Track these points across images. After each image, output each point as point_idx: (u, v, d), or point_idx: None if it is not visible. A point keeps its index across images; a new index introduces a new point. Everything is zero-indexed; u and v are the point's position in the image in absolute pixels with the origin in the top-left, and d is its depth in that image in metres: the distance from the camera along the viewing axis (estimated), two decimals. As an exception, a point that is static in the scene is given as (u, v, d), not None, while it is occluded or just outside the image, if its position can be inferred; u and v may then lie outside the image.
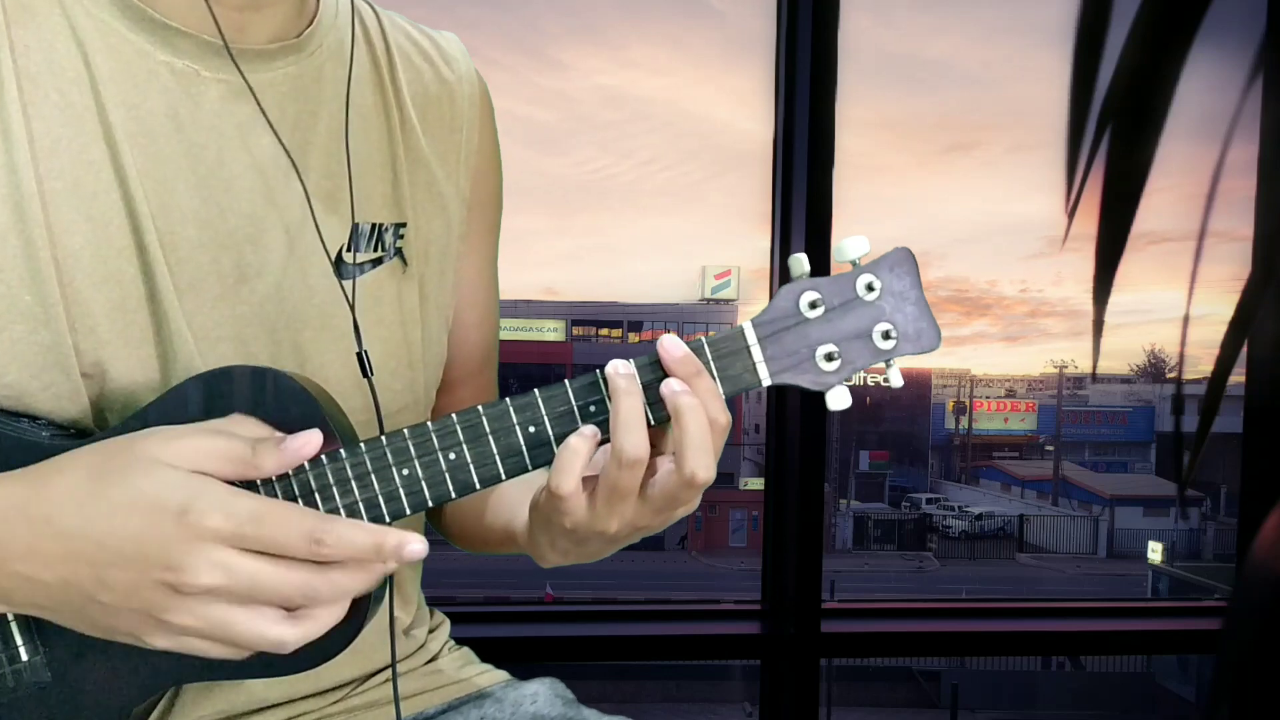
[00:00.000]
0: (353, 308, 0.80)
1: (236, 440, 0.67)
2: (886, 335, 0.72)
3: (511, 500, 0.89)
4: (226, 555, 0.63)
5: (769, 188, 1.85)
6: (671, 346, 0.71)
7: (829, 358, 0.72)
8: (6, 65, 0.72)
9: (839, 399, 0.72)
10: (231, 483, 0.66)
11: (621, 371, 0.70)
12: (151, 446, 0.65)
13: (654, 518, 0.73)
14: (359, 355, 0.78)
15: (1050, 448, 35.44)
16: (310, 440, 0.67)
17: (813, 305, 0.72)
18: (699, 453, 0.70)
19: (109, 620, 0.66)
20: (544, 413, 0.71)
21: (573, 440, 0.70)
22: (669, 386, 0.70)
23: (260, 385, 0.70)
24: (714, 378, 0.71)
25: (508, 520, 0.88)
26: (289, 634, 0.65)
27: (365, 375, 0.77)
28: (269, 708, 0.85)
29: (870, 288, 0.72)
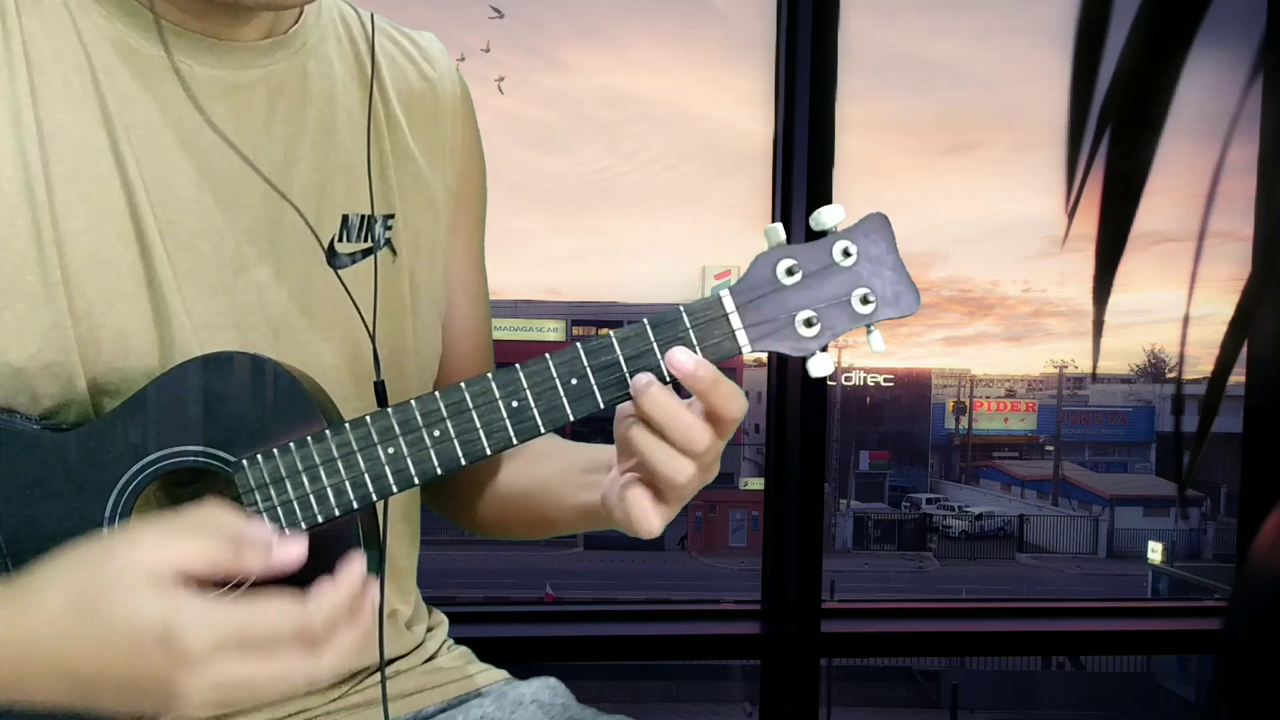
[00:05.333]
0: (373, 337, 0.81)
1: (219, 541, 0.66)
2: (865, 300, 0.72)
3: (571, 489, 0.89)
4: (216, 669, 0.63)
5: (769, 187, 1.85)
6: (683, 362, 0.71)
7: (808, 323, 0.72)
8: (17, 52, 0.74)
9: (820, 365, 0.72)
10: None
11: (625, 413, 0.72)
12: (129, 559, 0.64)
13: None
14: (376, 385, 0.78)
15: (1050, 448, 35.42)
16: (297, 548, 0.67)
17: (790, 272, 0.72)
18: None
19: (121, 711, 0.67)
20: (526, 386, 0.71)
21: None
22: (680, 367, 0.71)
23: (253, 372, 0.72)
24: (694, 346, 0.72)
25: (575, 501, 0.88)
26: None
27: (381, 405, 0.77)
28: (267, 704, 0.84)
29: (847, 253, 0.72)
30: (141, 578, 0.64)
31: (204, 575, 0.65)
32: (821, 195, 1.74)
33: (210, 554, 0.65)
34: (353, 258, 0.85)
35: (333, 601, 0.66)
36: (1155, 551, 22.87)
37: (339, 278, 0.83)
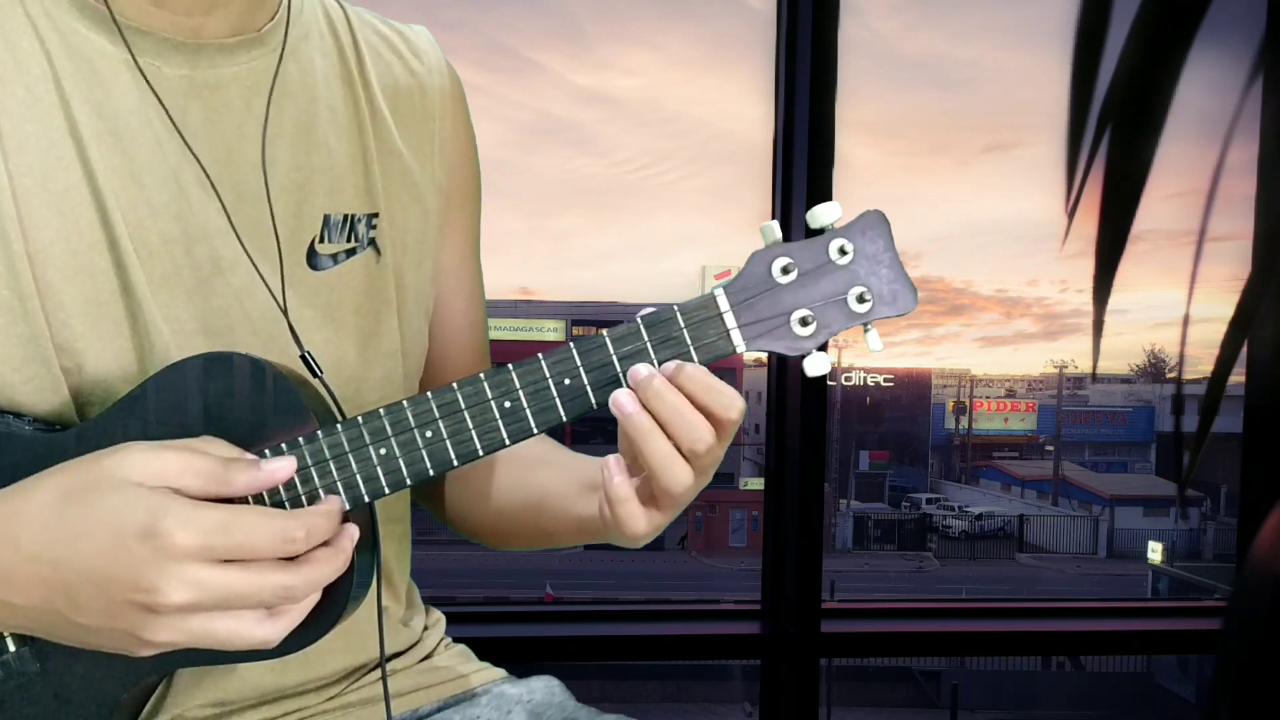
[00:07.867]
0: (285, 312, 0.80)
1: (208, 457, 0.66)
2: (861, 298, 0.71)
3: (569, 501, 0.88)
4: (197, 571, 0.63)
5: (769, 187, 1.85)
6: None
7: (804, 322, 0.71)
8: None
9: (817, 365, 0.72)
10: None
11: (630, 411, 0.70)
12: (119, 464, 0.65)
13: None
14: (303, 357, 0.77)
15: (1050, 448, 35.42)
16: (286, 465, 0.68)
17: (785, 270, 0.71)
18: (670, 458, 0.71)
19: (92, 639, 0.67)
20: (518, 387, 0.71)
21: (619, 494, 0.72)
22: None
23: (249, 373, 0.71)
24: (688, 345, 0.71)
25: (572, 514, 0.87)
26: (271, 632, 0.66)
27: (315, 375, 0.77)
28: (264, 703, 0.85)
29: (843, 251, 0.71)
30: (130, 480, 0.64)
31: (193, 491, 0.65)
32: (821, 194, 1.74)
33: (200, 468, 0.66)
34: (334, 258, 0.85)
35: (313, 519, 0.67)
36: (1155, 551, 22.87)
37: (314, 281, 0.83)
